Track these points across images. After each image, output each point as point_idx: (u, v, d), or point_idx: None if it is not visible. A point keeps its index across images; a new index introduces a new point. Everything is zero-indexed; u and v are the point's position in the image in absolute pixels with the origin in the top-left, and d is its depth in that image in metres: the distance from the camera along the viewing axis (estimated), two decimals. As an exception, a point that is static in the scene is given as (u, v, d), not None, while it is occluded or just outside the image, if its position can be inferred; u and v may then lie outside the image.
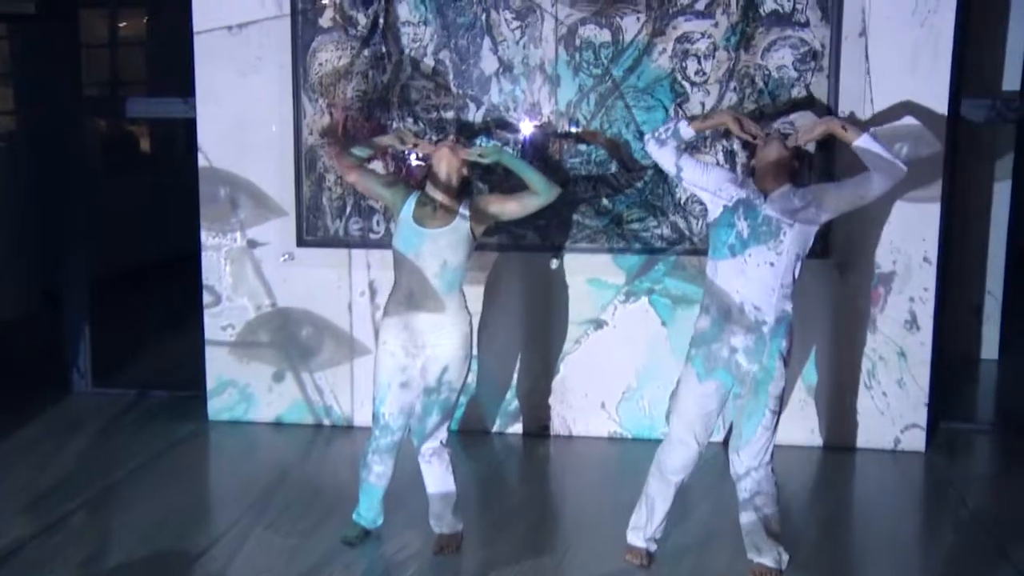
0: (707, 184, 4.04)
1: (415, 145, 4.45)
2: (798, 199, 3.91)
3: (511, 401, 5.66)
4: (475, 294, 5.50)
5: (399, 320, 4.14)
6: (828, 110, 5.11)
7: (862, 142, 3.91)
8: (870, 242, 5.26)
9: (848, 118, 4.98)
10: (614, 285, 5.47)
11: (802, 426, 5.44)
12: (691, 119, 4.23)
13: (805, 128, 4.13)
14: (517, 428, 5.68)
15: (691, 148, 5.15)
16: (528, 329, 5.58)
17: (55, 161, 6.21)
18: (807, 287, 5.21)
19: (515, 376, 5.64)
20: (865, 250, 5.28)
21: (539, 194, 4.19)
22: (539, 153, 5.33)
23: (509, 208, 4.24)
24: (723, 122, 4.18)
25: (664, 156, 4.12)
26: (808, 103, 5.16)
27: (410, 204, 4.17)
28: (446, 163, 4.15)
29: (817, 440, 5.47)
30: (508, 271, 5.53)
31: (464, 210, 4.15)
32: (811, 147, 5.02)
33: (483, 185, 5.22)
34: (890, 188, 3.93)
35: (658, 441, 4.21)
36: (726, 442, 4.28)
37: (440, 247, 4.08)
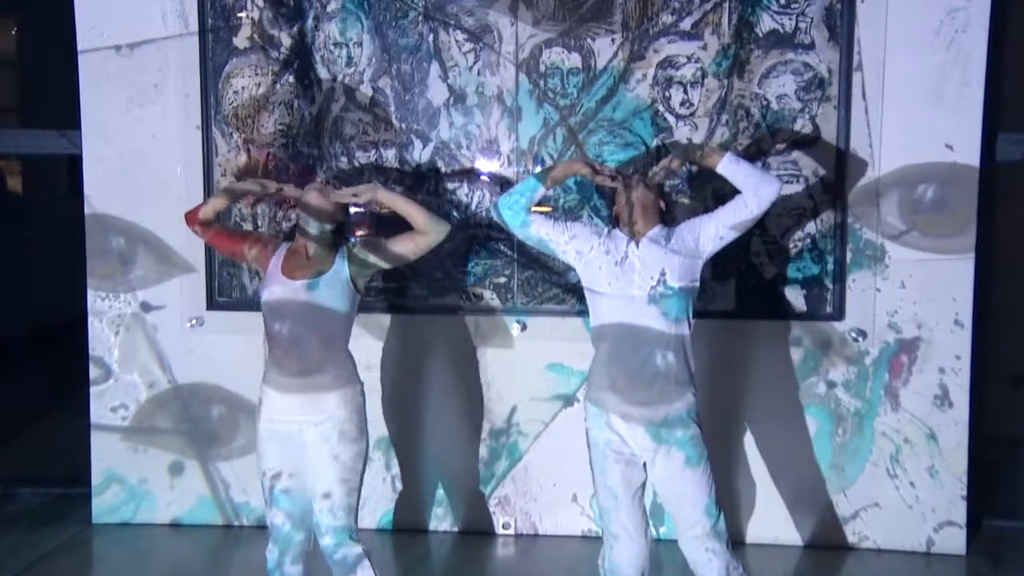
0: (569, 243, 4.35)
1: (279, 190, 4.67)
2: (674, 240, 4.25)
3: (464, 494, 5.78)
4: (416, 364, 5.72)
5: (278, 393, 4.31)
6: (847, 149, 5.36)
7: (725, 164, 4.32)
8: (890, 302, 5.46)
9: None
10: (586, 354, 5.60)
11: (813, 521, 5.58)
12: (542, 173, 4.54)
13: (664, 161, 4.51)
14: (472, 526, 5.79)
15: (676, 192, 5.44)
16: (484, 408, 5.72)
17: None
18: (812, 355, 5.48)
19: (469, 464, 5.76)
20: (884, 312, 5.48)
21: (426, 233, 4.43)
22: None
23: (393, 252, 4.46)
24: (575, 170, 4.53)
25: (517, 221, 4.41)
26: (814, 138, 5.39)
27: (279, 257, 4.39)
28: (316, 208, 4.38)
29: (833, 539, 5.59)
30: (461, 338, 5.69)
31: (341, 259, 4.37)
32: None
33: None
34: (767, 206, 4.27)
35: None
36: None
37: (317, 303, 4.28)
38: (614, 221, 4.40)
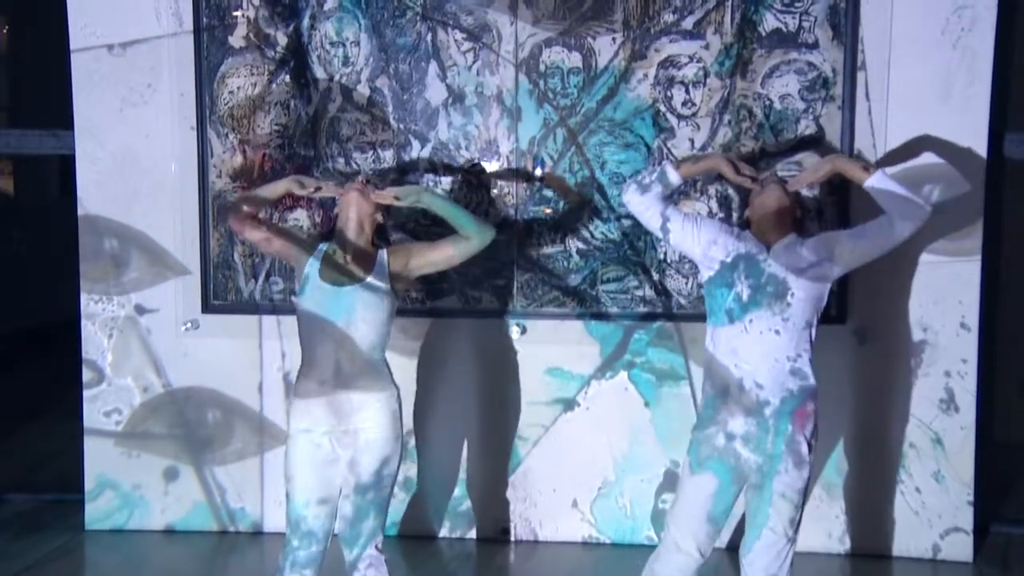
0: (699, 238, 4.31)
1: (317, 189, 4.66)
2: (806, 251, 4.20)
3: (463, 500, 5.84)
4: (412, 368, 5.76)
5: (313, 402, 4.31)
6: (851, 150, 5.40)
7: (875, 181, 4.22)
8: (895, 305, 5.52)
9: (859, 156, 5.33)
10: (587, 358, 5.71)
11: (818, 528, 5.63)
12: (679, 163, 4.52)
13: (809, 169, 4.44)
14: (471, 532, 5.86)
15: (679, 194, 5.49)
16: (483, 412, 5.78)
17: None
18: (819, 360, 5.53)
19: (468, 469, 5.82)
20: (889, 314, 5.53)
21: (470, 238, 4.44)
22: (496, 199, 5.61)
23: (436, 257, 4.49)
24: (714, 165, 4.49)
25: (646, 207, 4.39)
26: (818, 139, 5.45)
27: (316, 259, 4.39)
28: (356, 208, 4.39)
29: (838, 546, 5.67)
30: (459, 341, 5.75)
31: (381, 263, 4.38)
32: (816, 192, 5.36)
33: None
34: (913, 232, 4.20)
35: (642, 546, 4.46)
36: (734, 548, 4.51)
37: (356, 308, 4.29)
38: (745, 223, 4.39)
